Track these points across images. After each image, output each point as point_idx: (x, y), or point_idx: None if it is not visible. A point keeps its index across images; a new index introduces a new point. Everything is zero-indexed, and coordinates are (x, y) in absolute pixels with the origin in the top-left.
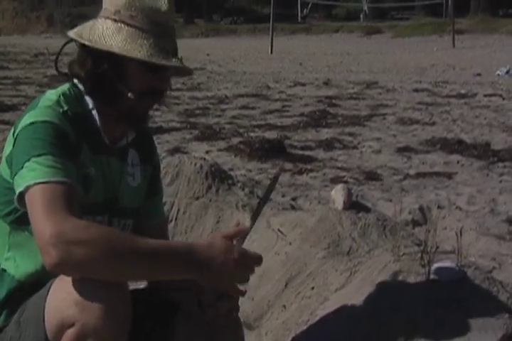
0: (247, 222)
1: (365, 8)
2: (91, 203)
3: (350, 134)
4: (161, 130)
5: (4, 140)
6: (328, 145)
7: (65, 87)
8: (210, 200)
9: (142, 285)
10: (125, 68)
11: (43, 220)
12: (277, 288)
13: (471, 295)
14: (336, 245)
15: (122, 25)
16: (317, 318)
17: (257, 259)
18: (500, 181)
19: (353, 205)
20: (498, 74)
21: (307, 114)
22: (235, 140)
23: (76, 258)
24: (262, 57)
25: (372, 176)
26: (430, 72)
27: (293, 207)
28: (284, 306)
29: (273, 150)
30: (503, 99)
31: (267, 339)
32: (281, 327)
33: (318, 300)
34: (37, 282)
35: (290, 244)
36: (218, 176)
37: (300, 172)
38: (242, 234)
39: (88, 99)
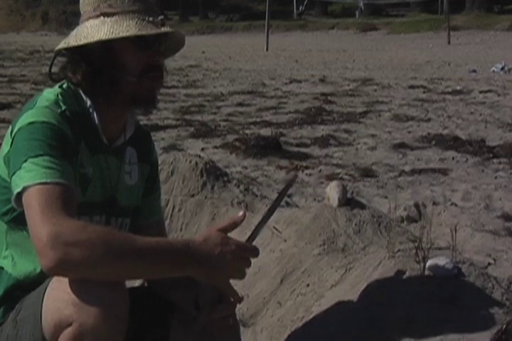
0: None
1: (361, 4)
2: (88, 203)
3: (346, 131)
4: (156, 127)
5: (1, 138)
6: (323, 142)
7: (62, 85)
8: (206, 197)
9: (137, 283)
10: (119, 55)
11: (39, 222)
12: (272, 285)
13: (465, 292)
14: (331, 242)
15: (105, 18)
16: (312, 315)
17: (254, 251)
18: (496, 177)
19: (348, 202)
20: (494, 71)
21: (303, 110)
22: (231, 137)
23: (74, 259)
24: (257, 54)
25: (367, 173)
26: (426, 69)
27: (288, 204)
28: (280, 303)
29: (268, 147)
30: (499, 95)
31: (263, 336)
32: (276, 324)
33: (314, 297)
34: (34, 280)
35: (285, 241)
36: (213, 173)
37: (295, 169)
38: (235, 225)
39: (85, 97)
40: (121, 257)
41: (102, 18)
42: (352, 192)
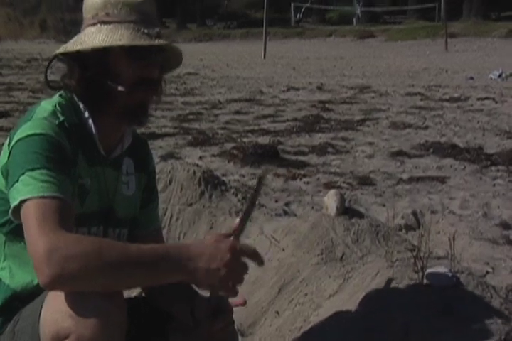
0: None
1: (358, 12)
2: (86, 214)
3: (344, 139)
4: (154, 135)
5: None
6: (321, 150)
7: (59, 96)
8: (203, 206)
9: (134, 293)
10: (111, 64)
11: (36, 237)
12: (270, 294)
13: (464, 301)
14: (329, 251)
15: (101, 26)
16: (310, 325)
17: (252, 251)
18: (494, 185)
19: (346, 211)
20: (491, 78)
21: (300, 118)
22: (228, 145)
23: (71, 273)
24: (255, 61)
25: (365, 181)
26: (423, 76)
27: (286, 213)
28: (278, 312)
29: (266, 156)
30: (496, 102)
31: None
32: (274, 333)
33: (312, 306)
34: (32, 292)
35: (283, 250)
36: (211, 182)
37: (293, 178)
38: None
39: (83, 108)
40: (118, 267)
41: (99, 25)
42: (350, 201)
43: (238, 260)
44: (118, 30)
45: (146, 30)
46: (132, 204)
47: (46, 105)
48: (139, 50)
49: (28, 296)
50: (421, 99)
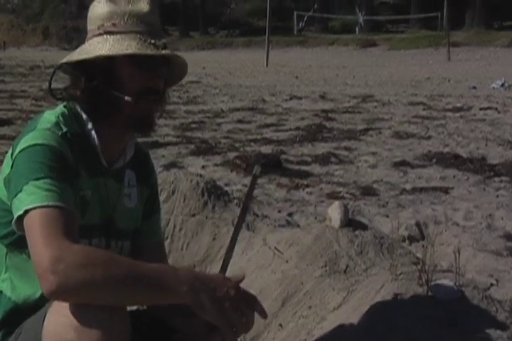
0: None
1: (361, 20)
2: (87, 225)
3: (346, 148)
4: (156, 144)
5: (1, 155)
6: (324, 159)
7: (63, 106)
8: (206, 217)
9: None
10: (117, 74)
11: (41, 246)
12: (274, 306)
13: (469, 315)
14: (333, 263)
15: (107, 36)
16: (314, 338)
17: (253, 299)
18: (497, 196)
19: (350, 223)
20: (494, 87)
21: (303, 128)
22: (231, 154)
23: (76, 283)
24: (257, 70)
25: (368, 191)
26: (426, 85)
27: (289, 223)
28: (281, 325)
29: (269, 165)
30: (499, 112)
31: None
32: None
33: (316, 319)
34: (34, 304)
35: (287, 262)
36: (214, 193)
37: (296, 188)
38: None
39: (86, 119)
40: (123, 281)
41: (105, 36)
42: (353, 211)
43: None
44: (124, 40)
45: (152, 41)
46: (134, 216)
47: (49, 116)
48: (145, 60)
49: (29, 309)
50: (424, 109)
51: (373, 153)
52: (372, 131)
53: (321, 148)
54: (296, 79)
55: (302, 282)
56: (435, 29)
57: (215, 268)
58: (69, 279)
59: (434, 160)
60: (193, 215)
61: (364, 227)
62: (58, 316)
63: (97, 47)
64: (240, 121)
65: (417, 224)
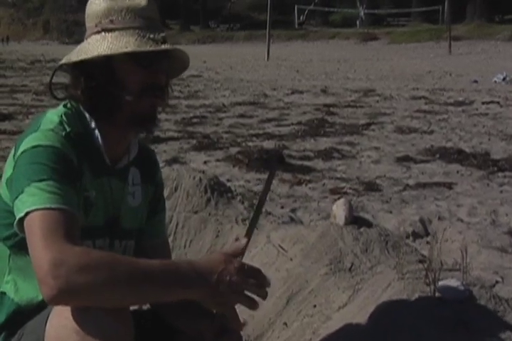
0: (243, 238)
1: (362, 14)
2: (91, 226)
3: (349, 143)
4: (158, 139)
5: (1, 150)
6: (326, 155)
7: (64, 105)
8: (209, 214)
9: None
10: (118, 72)
11: (41, 249)
12: (278, 305)
13: (477, 315)
14: (338, 261)
15: (105, 33)
16: (320, 337)
17: (258, 272)
18: (501, 191)
19: (355, 220)
20: (495, 81)
21: (305, 122)
22: (233, 150)
23: (77, 286)
24: (258, 64)
25: (371, 187)
26: (427, 79)
27: (292, 219)
28: (286, 324)
29: (271, 161)
30: (501, 106)
31: None
32: None
33: (321, 318)
34: (37, 306)
35: (291, 259)
36: (217, 189)
37: (299, 183)
38: (240, 251)
39: (89, 118)
40: (126, 281)
41: (103, 33)
42: (356, 207)
43: (247, 282)
44: (123, 37)
45: (151, 36)
46: (138, 215)
47: (52, 116)
48: (145, 56)
49: (32, 311)
50: (425, 103)
51: (376, 148)
52: (374, 126)
53: (324, 143)
54: (297, 73)
55: (307, 280)
56: (436, 22)
57: None
58: (70, 284)
59: (437, 155)
60: (196, 212)
61: (369, 225)
62: (60, 319)
63: (95, 46)
64: (241, 116)
65: (421, 220)
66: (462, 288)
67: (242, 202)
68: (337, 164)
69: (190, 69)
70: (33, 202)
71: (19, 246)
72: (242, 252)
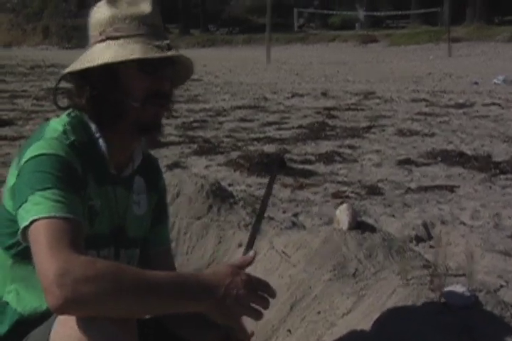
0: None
1: (361, 16)
2: (96, 236)
3: (350, 147)
4: (159, 144)
5: (2, 156)
6: (328, 158)
7: (68, 114)
8: (212, 220)
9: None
10: (123, 79)
11: (46, 259)
12: (282, 311)
13: (482, 321)
14: (342, 267)
15: (110, 41)
16: None
17: (265, 284)
18: (504, 194)
19: (358, 225)
20: (495, 83)
21: (306, 125)
22: (234, 154)
23: (83, 297)
24: (258, 67)
25: (373, 190)
26: (427, 81)
27: (294, 224)
28: (289, 331)
29: (272, 164)
30: (502, 108)
31: None
32: None
33: (325, 325)
34: (40, 316)
35: (294, 266)
36: (219, 195)
37: (300, 187)
38: (247, 263)
39: (93, 126)
40: (131, 292)
41: (107, 41)
42: (359, 211)
43: (253, 295)
44: (128, 44)
45: (156, 43)
46: (143, 223)
47: (56, 124)
48: (150, 63)
49: (36, 320)
50: (426, 105)
51: (377, 151)
52: (375, 129)
53: (325, 146)
54: (297, 76)
55: (310, 286)
56: (436, 24)
57: None
58: (76, 293)
59: (439, 158)
60: (198, 218)
61: (372, 230)
62: (65, 328)
63: (99, 54)
64: (242, 120)
65: (424, 224)
66: (468, 294)
67: (244, 208)
68: (338, 168)
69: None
70: (37, 211)
71: (22, 255)
72: (249, 264)
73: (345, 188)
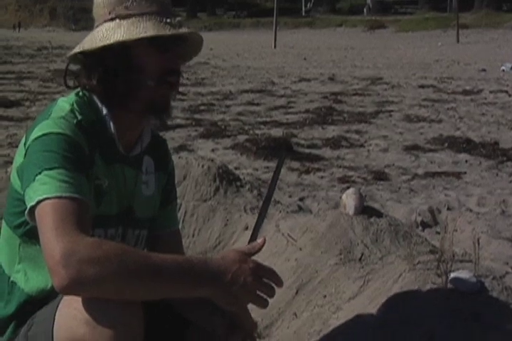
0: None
1: (369, 2)
2: (104, 215)
3: (357, 132)
4: (166, 126)
5: (9, 137)
6: (334, 143)
7: (77, 93)
8: (218, 203)
9: None
10: (135, 59)
11: (53, 239)
12: (288, 295)
13: (489, 308)
14: (348, 251)
15: (120, 20)
16: (330, 328)
17: (271, 272)
18: (510, 181)
19: (365, 210)
20: (503, 70)
21: (313, 110)
22: (241, 137)
23: (88, 277)
24: (265, 51)
25: (380, 176)
26: (435, 68)
27: (301, 208)
28: (295, 314)
29: (279, 149)
30: (509, 95)
31: None
32: (292, 336)
33: (331, 309)
34: (47, 296)
35: (300, 249)
36: (226, 178)
37: (307, 172)
38: (256, 250)
39: (101, 105)
40: (137, 275)
41: (117, 20)
42: (365, 196)
43: (260, 283)
44: (140, 22)
45: (168, 20)
46: (151, 204)
47: (63, 103)
48: (163, 41)
49: (42, 300)
50: (434, 92)
51: (384, 137)
52: (382, 114)
53: (332, 131)
54: (305, 61)
55: (317, 270)
56: (444, 11)
57: None
58: (81, 274)
59: (446, 145)
60: (205, 201)
61: (379, 214)
62: (70, 309)
63: (110, 33)
64: (249, 103)
65: (430, 210)
66: (474, 279)
67: (251, 191)
68: (345, 152)
69: (197, 56)
70: (44, 191)
71: (29, 235)
72: (257, 251)
73: (351, 173)
